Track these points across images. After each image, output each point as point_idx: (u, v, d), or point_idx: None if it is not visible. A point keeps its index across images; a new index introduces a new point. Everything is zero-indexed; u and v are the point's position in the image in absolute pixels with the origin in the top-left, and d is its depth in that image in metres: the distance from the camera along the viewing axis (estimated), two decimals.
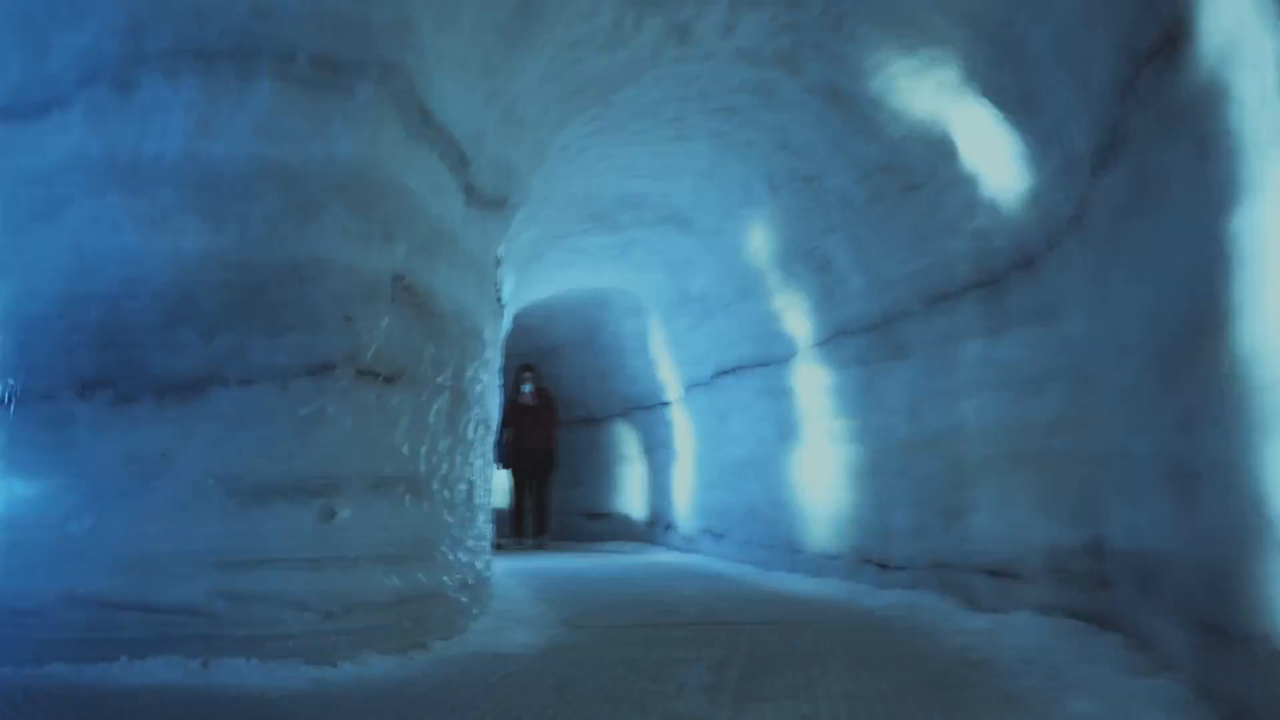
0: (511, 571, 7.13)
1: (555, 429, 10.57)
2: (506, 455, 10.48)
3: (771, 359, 6.65)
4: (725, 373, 7.51)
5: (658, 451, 10.05)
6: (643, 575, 6.75)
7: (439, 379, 3.64)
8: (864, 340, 5.34)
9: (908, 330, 4.90)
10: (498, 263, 4.91)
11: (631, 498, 10.85)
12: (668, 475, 9.58)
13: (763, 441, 7.06)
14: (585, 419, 11.93)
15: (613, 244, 7.27)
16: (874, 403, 5.35)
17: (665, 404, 9.55)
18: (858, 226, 5.14)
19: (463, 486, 3.91)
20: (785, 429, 6.59)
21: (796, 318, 6.14)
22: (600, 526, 11.46)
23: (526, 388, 10.27)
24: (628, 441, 11.04)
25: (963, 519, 4.44)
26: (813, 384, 6.04)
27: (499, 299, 5.47)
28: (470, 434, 3.99)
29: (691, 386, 8.47)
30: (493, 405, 4.98)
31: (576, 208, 6.41)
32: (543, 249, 6.73)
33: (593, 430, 11.78)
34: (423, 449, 3.50)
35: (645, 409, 10.29)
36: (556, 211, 6.27)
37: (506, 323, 7.39)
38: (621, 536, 10.91)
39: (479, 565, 4.20)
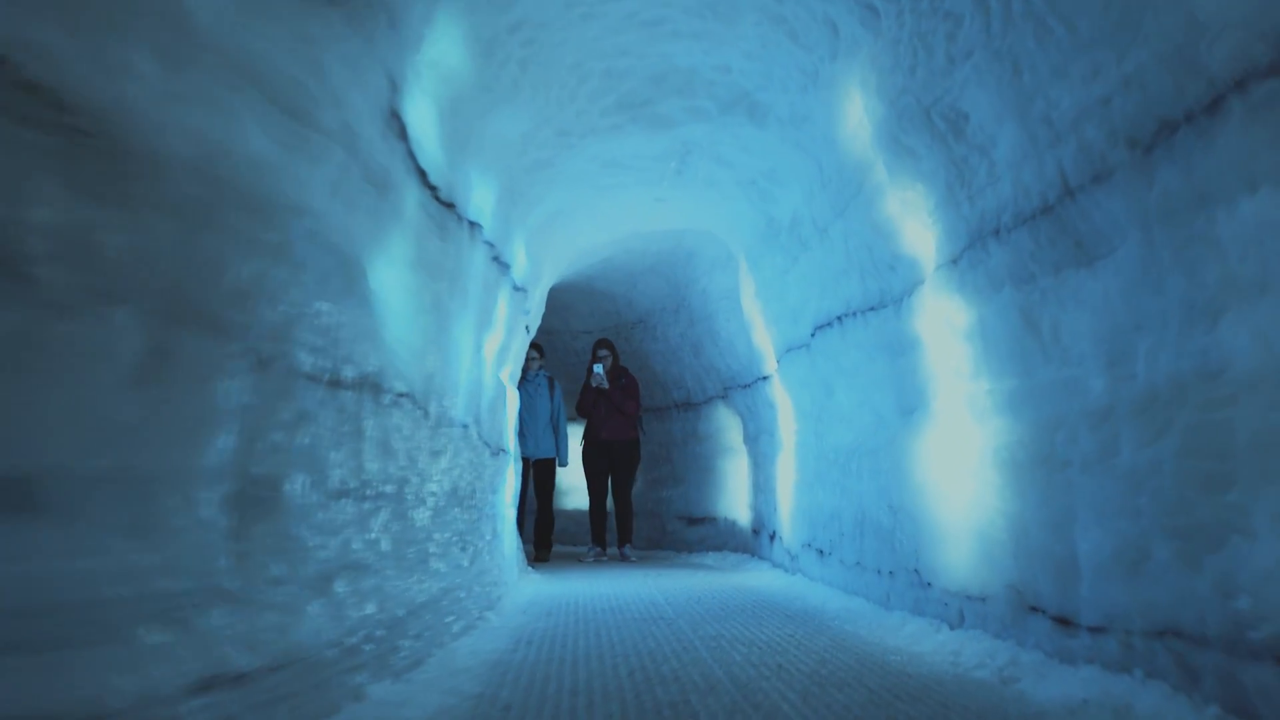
0: (539, 600, 5.32)
1: (638, 416, 8.63)
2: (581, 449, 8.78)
3: (886, 298, 4.52)
4: (826, 325, 5.39)
5: (760, 440, 7.94)
6: (705, 612, 4.75)
7: (123, 285, 1.79)
8: (1022, 241, 3.17)
9: (1102, 205, 2.73)
10: (397, 127, 3.04)
11: (736, 499, 8.77)
12: (770, 470, 7.48)
13: (879, 420, 4.93)
14: (683, 403, 9.95)
15: (662, 149, 5.25)
16: (1042, 345, 3.19)
17: (765, 378, 7.45)
18: (1005, 36, 2.99)
19: (213, 494, 2.06)
20: (908, 400, 4.46)
21: (917, 225, 4.00)
22: (701, 534, 9.44)
23: (599, 368, 8.37)
24: (731, 429, 8.96)
25: (1223, 549, 2.28)
26: (945, 327, 3.90)
27: (447, 203, 3.60)
28: (232, 399, 2.12)
29: (788, 350, 6.35)
30: (388, 355, 3.12)
31: (592, 85, 4.44)
32: (547, 152, 4.79)
33: (692, 416, 9.77)
34: (36, 422, 1.67)
35: (744, 387, 8.19)
36: (558, 91, 4.34)
37: (521, 257, 5.52)
38: (726, 545, 8.87)
39: (297, 631, 2.35)
